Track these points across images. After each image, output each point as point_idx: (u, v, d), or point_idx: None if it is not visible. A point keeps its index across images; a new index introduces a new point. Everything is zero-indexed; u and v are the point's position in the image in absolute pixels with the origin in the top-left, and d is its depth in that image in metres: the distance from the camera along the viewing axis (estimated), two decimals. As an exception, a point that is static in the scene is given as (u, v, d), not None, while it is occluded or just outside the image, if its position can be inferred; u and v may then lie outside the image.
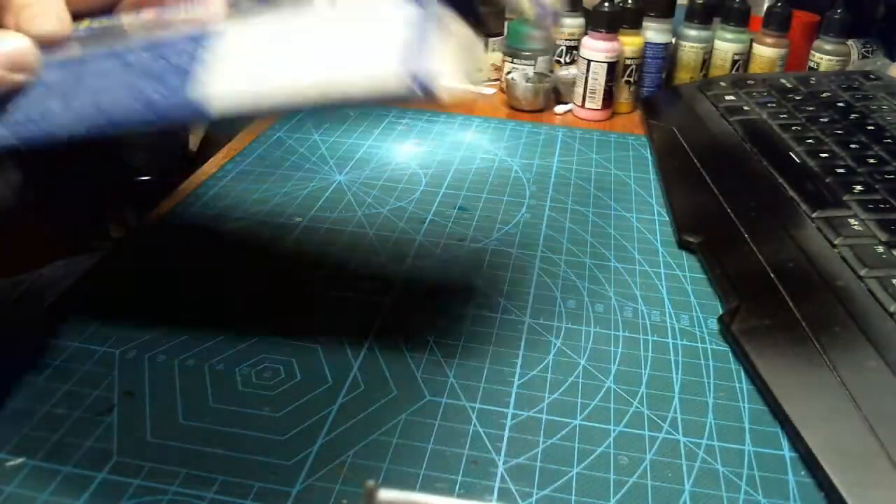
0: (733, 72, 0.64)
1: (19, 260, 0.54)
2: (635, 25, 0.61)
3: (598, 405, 0.30)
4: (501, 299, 0.36)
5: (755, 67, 0.65)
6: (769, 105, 0.56)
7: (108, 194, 0.40)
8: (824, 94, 0.57)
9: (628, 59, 0.61)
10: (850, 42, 0.70)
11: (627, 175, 0.51)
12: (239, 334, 0.32)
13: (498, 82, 0.69)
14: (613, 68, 0.59)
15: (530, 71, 0.65)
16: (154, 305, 0.34)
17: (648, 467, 0.27)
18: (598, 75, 0.59)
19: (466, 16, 0.24)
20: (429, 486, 0.26)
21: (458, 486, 0.26)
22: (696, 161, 0.50)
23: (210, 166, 0.49)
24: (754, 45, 0.65)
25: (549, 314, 0.35)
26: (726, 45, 0.64)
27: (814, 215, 0.41)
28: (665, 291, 0.38)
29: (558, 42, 0.66)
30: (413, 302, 0.35)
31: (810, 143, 0.49)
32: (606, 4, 0.57)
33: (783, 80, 0.60)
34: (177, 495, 0.25)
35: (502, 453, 0.27)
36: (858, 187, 0.43)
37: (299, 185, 0.46)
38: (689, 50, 0.64)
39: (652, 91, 0.65)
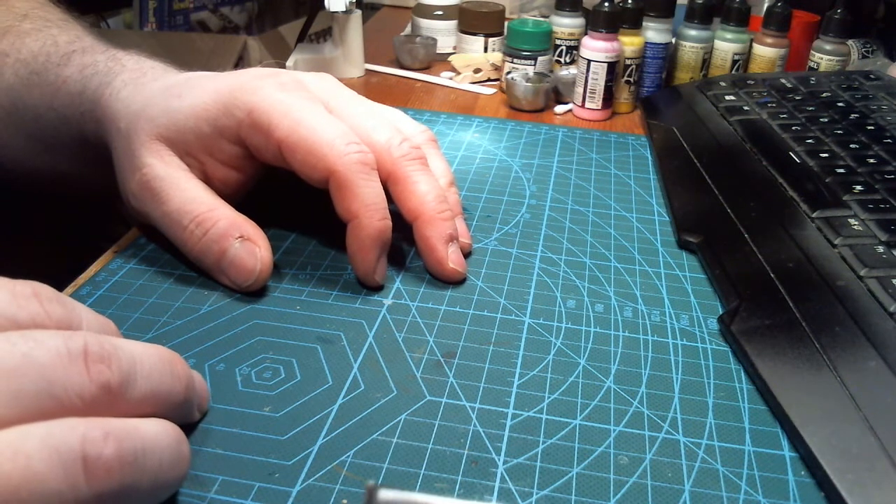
0: (733, 72, 0.65)
1: (20, 260, 0.54)
2: (635, 25, 0.61)
3: (598, 405, 0.30)
4: (501, 299, 0.36)
5: (755, 67, 0.65)
6: (769, 105, 0.56)
7: (108, 194, 0.40)
8: (824, 94, 0.57)
9: (628, 59, 0.61)
10: (850, 42, 0.70)
11: (627, 175, 0.51)
12: (239, 334, 0.32)
13: (498, 82, 0.69)
14: (613, 68, 0.59)
15: (530, 71, 0.65)
16: (154, 305, 0.34)
17: (648, 467, 0.27)
18: (598, 75, 0.59)
19: None
20: (429, 486, 0.26)
21: (458, 486, 0.26)
22: (696, 161, 0.50)
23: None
24: (754, 45, 0.65)
25: (549, 314, 0.35)
26: (726, 45, 0.64)
27: (814, 215, 0.41)
28: (665, 291, 0.38)
29: (558, 42, 0.66)
30: (413, 302, 0.35)
31: (810, 143, 0.49)
32: (606, 4, 0.57)
33: (783, 80, 0.60)
34: (177, 495, 0.25)
35: (502, 453, 0.27)
36: (858, 187, 0.43)
37: (299, 185, 0.46)
38: (689, 50, 0.64)
39: (652, 91, 0.65)
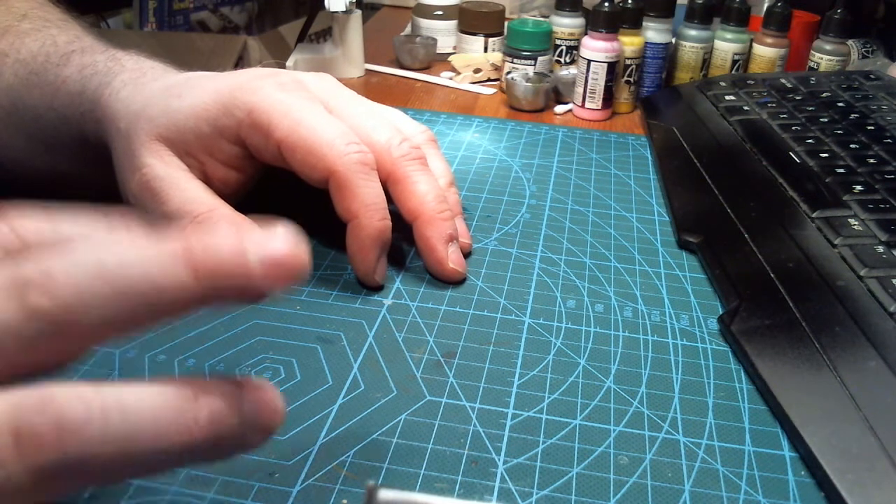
0: (733, 72, 0.65)
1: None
2: (635, 25, 0.61)
3: (598, 405, 0.30)
4: (501, 299, 0.36)
5: (755, 67, 0.65)
6: (769, 105, 0.56)
7: (109, 194, 0.40)
8: (824, 94, 0.57)
9: (628, 59, 0.61)
10: (850, 42, 0.70)
11: (627, 175, 0.51)
12: (239, 334, 0.32)
13: (498, 82, 0.69)
14: (613, 68, 0.59)
15: (530, 71, 0.65)
16: (154, 305, 0.34)
17: (648, 467, 0.27)
18: (598, 75, 0.59)
19: None
20: (429, 486, 0.26)
21: (458, 486, 0.26)
22: (696, 161, 0.50)
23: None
24: (754, 44, 0.65)
25: (549, 314, 0.35)
26: (726, 45, 0.64)
27: (814, 215, 0.41)
28: (665, 291, 0.38)
29: (558, 42, 0.66)
30: (413, 302, 0.35)
31: (810, 143, 0.49)
32: (606, 4, 0.57)
33: (783, 80, 0.60)
34: (177, 495, 0.25)
35: (502, 453, 0.27)
36: (858, 187, 0.43)
37: (299, 185, 0.46)
38: (689, 50, 0.64)
39: (652, 91, 0.65)
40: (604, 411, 0.29)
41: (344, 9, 0.64)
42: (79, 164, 0.44)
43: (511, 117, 0.61)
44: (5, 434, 0.17)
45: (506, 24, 0.69)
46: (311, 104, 0.35)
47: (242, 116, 0.35)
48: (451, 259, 0.36)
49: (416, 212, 0.36)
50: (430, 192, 0.36)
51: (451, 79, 0.70)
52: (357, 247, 0.35)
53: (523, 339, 0.33)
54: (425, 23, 0.76)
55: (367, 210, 0.34)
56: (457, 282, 0.37)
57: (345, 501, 0.25)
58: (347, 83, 0.40)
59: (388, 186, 0.36)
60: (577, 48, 0.64)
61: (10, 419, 0.17)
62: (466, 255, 0.39)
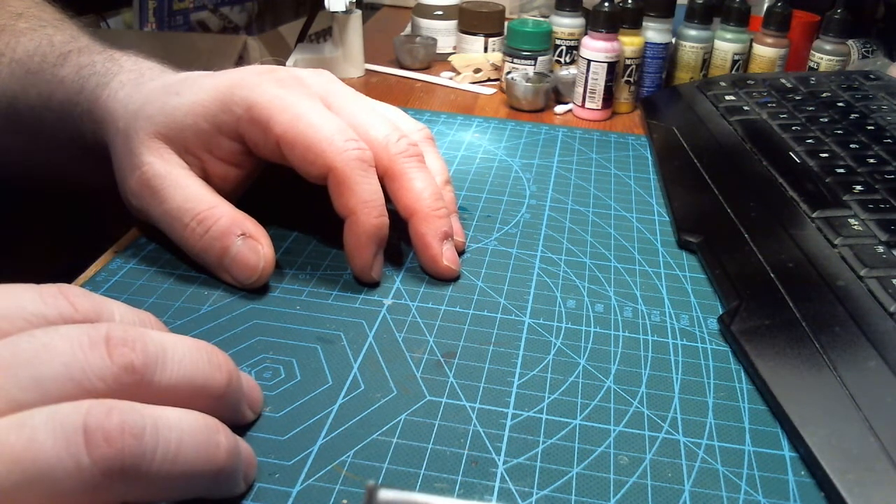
0: (733, 72, 0.65)
1: (20, 261, 0.54)
2: (635, 25, 0.61)
3: (598, 405, 0.30)
4: (501, 299, 0.36)
5: (755, 67, 0.65)
6: (769, 105, 0.56)
7: (108, 193, 0.40)
8: (824, 94, 0.57)
9: (628, 59, 0.61)
10: (850, 42, 0.70)
11: (627, 175, 0.51)
12: (239, 334, 0.32)
13: (498, 82, 0.69)
14: (613, 68, 0.59)
15: (530, 71, 0.65)
16: (154, 306, 0.34)
17: (648, 467, 0.27)
18: (598, 75, 0.59)
19: None
20: (429, 486, 0.26)
21: (458, 486, 0.26)
22: (696, 161, 0.50)
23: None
24: (754, 44, 0.65)
25: (549, 314, 0.35)
26: (726, 45, 0.64)
27: (814, 215, 0.41)
28: (665, 291, 0.38)
29: (558, 42, 0.66)
30: (413, 302, 0.35)
31: (810, 143, 0.49)
32: (606, 4, 0.57)
33: (783, 80, 0.60)
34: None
35: (502, 453, 0.27)
36: (858, 187, 0.43)
37: (299, 185, 0.46)
38: (689, 50, 0.64)
39: (652, 91, 0.65)
40: (604, 411, 0.29)
41: (344, 9, 0.64)
42: (76, 164, 0.44)
43: (511, 117, 0.61)
44: (79, 431, 0.19)
45: (506, 24, 0.69)
46: (310, 100, 0.35)
47: (241, 112, 0.35)
48: (446, 256, 0.37)
49: (411, 208, 0.36)
50: (427, 189, 0.36)
51: (451, 79, 0.70)
52: (354, 243, 0.35)
53: (523, 339, 0.33)
54: (425, 23, 0.76)
55: (364, 206, 0.34)
56: (450, 279, 0.37)
57: (345, 501, 0.25)
58: (347, 83, 0.40)
59: (385, 183, 0.37)
60: (577, 48, 0.64)
61: (82, 420, 0.20)
62: (460, 252, 0.39)
